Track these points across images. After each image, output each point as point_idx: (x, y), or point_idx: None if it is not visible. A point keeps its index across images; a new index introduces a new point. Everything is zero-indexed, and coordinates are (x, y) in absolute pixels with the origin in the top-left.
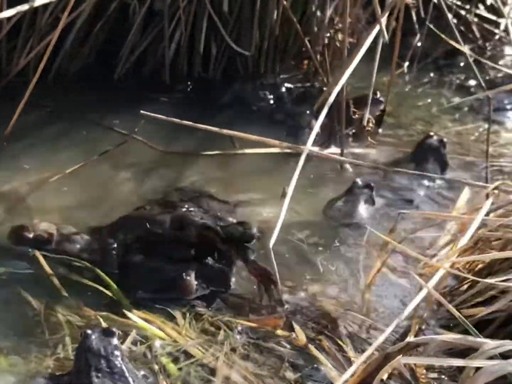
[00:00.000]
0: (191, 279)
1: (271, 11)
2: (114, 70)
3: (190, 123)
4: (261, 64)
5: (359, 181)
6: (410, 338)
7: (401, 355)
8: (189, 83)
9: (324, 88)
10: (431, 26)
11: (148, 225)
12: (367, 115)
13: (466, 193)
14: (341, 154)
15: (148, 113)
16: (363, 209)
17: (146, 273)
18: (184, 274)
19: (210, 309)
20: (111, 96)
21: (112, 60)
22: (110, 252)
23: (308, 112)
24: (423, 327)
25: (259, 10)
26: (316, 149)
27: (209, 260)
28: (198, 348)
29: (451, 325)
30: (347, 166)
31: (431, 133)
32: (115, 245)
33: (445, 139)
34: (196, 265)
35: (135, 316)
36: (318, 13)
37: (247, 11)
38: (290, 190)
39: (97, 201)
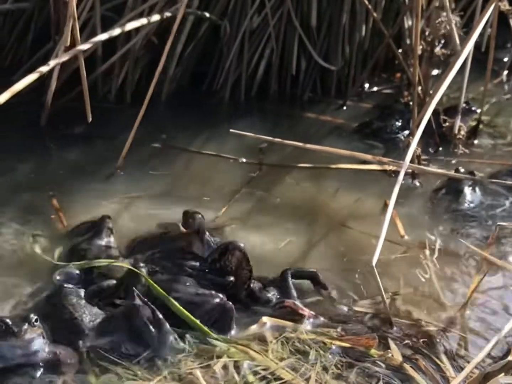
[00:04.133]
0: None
1: (359, 25)
2: (205, 91)
3: (279, 139)
4: (349, 79)
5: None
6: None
7: (502, 374)
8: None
9: (410, 103)
10: None
11: None
12: (458, 124)
13: None
14: (419, 162)
15: (237, 131)
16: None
17: None
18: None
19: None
20: (202, 118)
21: (202, 82)
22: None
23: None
24: None
25: (348, 24)
26: (414, 164)
27: None
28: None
29: None
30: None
31: None
32: None
33: None
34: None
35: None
36: (410, 25)
37: (335, 26)
38: (391, 206)
39: None
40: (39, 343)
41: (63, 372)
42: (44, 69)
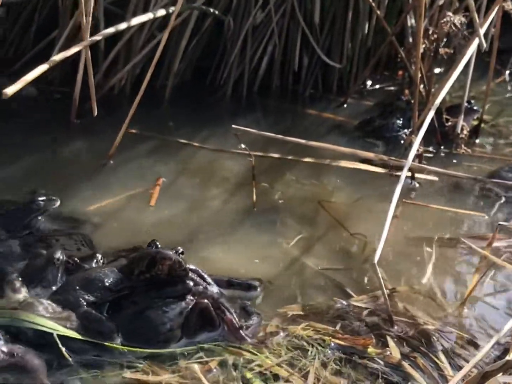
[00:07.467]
0: None
1: (362, 22)
2: (208, 86)
3: (281, 136)
4: (351, 76)
5: None
6: (510, 356)
7: (500, 374)
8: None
9: (412, 101)
10: None
11: None
12: (460, 123)
13: None
14: (420, 161)
15: (239, 127)
16: None
17: None
18: None
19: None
20: (204, 113)
21: (205, 76)
22: None
23: (396, 125)
24: None
25: (351, 21)
26: (416, 163)
27: None
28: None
29: None
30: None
31: None
32: None
33: None
34: None
35: None
36: (413, 23)
37: (338, 23)
38: (393, 204)
39: (185, 219)
40: None
41: (27, 373)
42: (53, 60)
